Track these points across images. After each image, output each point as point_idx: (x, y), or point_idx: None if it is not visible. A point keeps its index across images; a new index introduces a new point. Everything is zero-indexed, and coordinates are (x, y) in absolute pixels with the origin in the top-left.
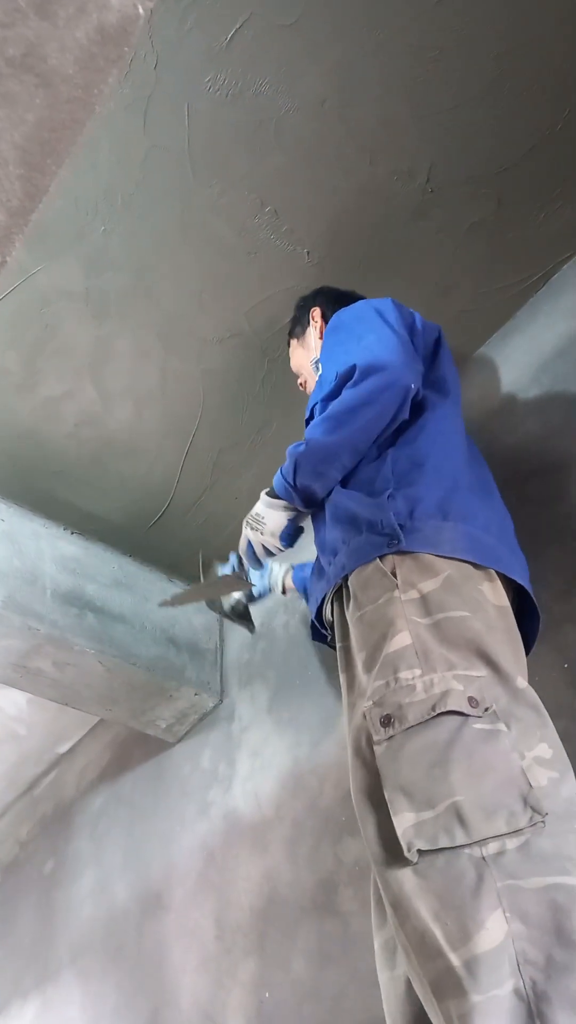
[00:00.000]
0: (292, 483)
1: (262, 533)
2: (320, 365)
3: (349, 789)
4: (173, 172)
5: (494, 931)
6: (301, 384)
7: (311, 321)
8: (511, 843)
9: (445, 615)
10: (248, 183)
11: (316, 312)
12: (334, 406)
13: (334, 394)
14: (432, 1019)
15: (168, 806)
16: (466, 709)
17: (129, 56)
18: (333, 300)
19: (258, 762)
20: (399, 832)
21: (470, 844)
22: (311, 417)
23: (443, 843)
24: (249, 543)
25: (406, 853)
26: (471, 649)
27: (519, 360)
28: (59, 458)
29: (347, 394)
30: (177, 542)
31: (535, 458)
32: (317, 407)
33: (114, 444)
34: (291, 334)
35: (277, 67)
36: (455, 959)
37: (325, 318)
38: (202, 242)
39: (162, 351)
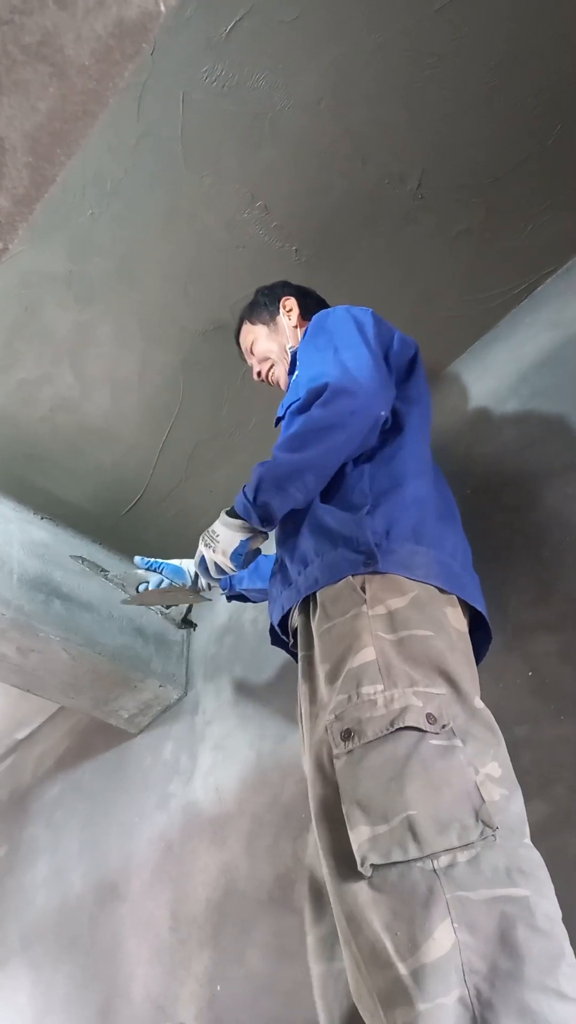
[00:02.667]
0: (252, 499)
1: (214, 551)
2: (297, 361)
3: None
4: (165, 160)
5: (442, 941)
6: (262, 372)
7: (282, 310)
8: (462, 856)
9: (410, 633)
10: (240, 177)
11: (290, 301)
12: (302, 424)
13: (303, 408)
14: None
15: (127, 797)
16: (424, 725)
17: (147, 52)
18: (303, 295)
19: (221, 756)
20: (355, 846)
21: (422, 857)
22: (281, 418)
23: (396, 857)
24: (203, 559)
25: (360, 867)
26: (433, 667)
27: (499, 370)
28: (33, 441)
29: (316, 412)
30: (149, 532)
31: (511, 468)
32: (286, 417)
33: (89, 430)
34: (251, 319)
35: (275, 62)
36: (403, 969)
37: (303, 310)
38: (190, 233)
39: (143, 340)
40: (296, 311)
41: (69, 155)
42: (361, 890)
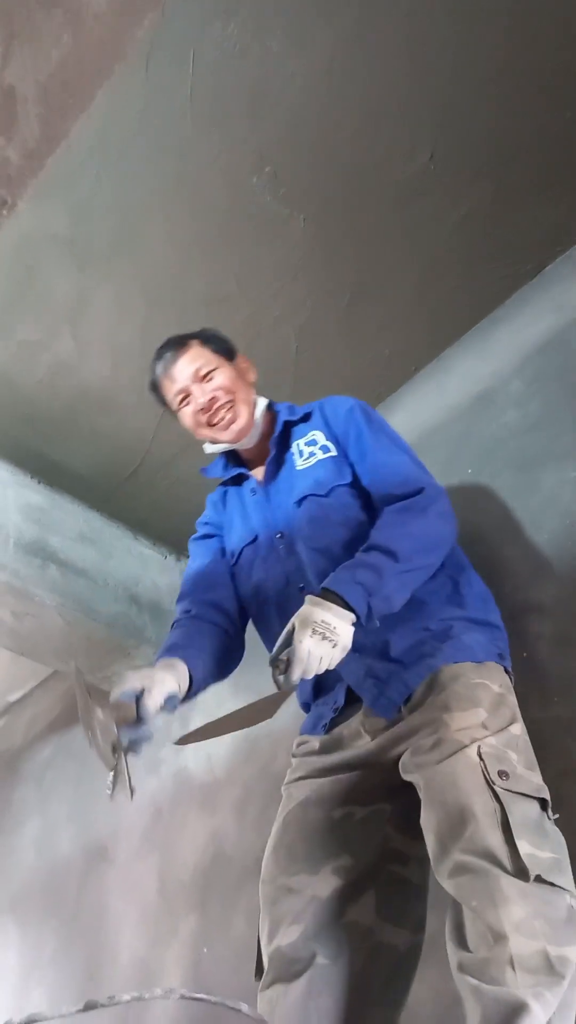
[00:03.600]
0: (384, 597)
1: (335, 646)
2: (356, 448)
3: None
4: (173, 122)
5: (573, 959)
6: (217, 402)
7: (244, 363)
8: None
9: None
10: (249, 141)
11: (246, 361)
12: (419, 533)
13: (415, 500)
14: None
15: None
16: (547, 804)
17: (166, 3)
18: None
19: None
20: (523, 853)
21: (569, 892)
22: (305, 496)
23: (555, 880)
24: (314, 656)
25: (525, 871)
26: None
27: (503, 351)
28: (31, 404)
29: (441, 527)
30: (146, 501)
31: (511, 450)
32: (383, 509)
33: (89, 396)
34: (204, 342)
35: (290, 25)
36: (552, 949)
37: (255, 377)
38: (197, 198)
39: (145, 307)
40: (252, 370)
41: (82, 108)
42: (513, 883)
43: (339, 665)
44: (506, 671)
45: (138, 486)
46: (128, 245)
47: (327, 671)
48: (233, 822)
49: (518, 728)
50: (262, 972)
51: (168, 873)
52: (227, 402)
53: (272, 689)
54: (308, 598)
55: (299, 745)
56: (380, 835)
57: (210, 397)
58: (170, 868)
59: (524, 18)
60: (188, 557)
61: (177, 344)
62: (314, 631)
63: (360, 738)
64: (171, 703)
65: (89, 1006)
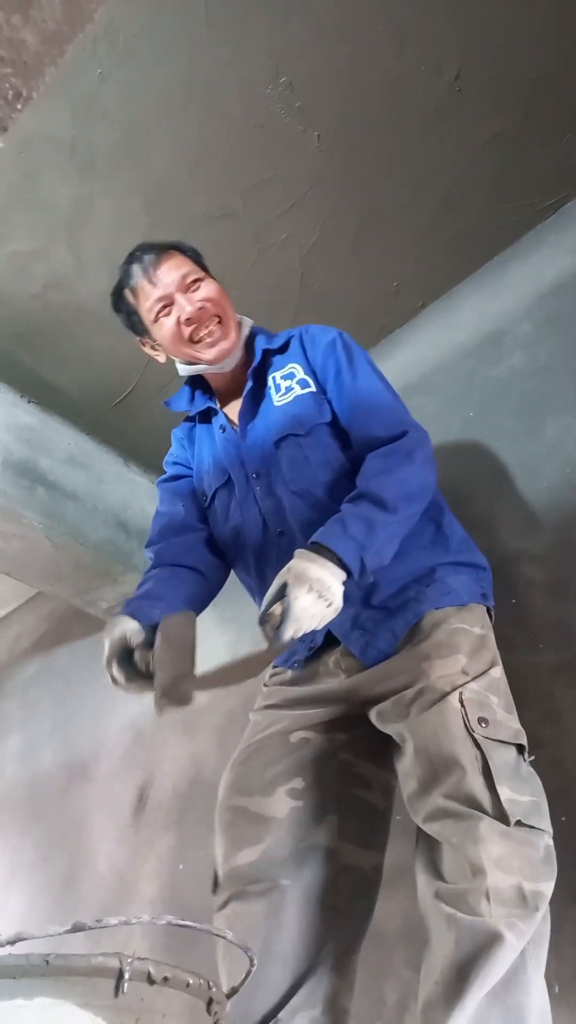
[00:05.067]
0: (377, 553)
1: (330, 606)
2: (336, 384)
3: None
4: (185, 21)
5: (548, 893)
6: (208, 313)
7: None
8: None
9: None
10: (265, 48)
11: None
12: (417, 482)
13: (402, 443)
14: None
15: (102, 683)
16: (524, 749)
17: None
18: None
19: (198, 653)
20: (503, 799)
21: (547, 832)
22: (284, 436)
23: (534, 823)
24: (310, 614)
25: (511, 818)
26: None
27: (516, 290)
28: (23, 319)
29: (426, 475)
30: (138, 426)
31: (516, 394)
32: (362, 447)
33: (83, 313)
34: (190, 256)
35: None
36: (527, 885)
37: None
38: (206, 105)
39: (147, 219)
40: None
41: None
42: (494, 826)
43: None
44: (488, 611)
45: (131, 411)
46: (131, 153)
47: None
48: (213, 748)
49: (498, 671)
50: (217, 888)
51: (148, 793)
52: (215, 315)
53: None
54: (300, 552)
55: (272, 676)
56: (335, 761)
57: (198, 307)
58: (149, 788)
59: None
60: None
61: (159, 248)
62: (310, 588)
63: (334, 676)
64: None
65: (77, 927)
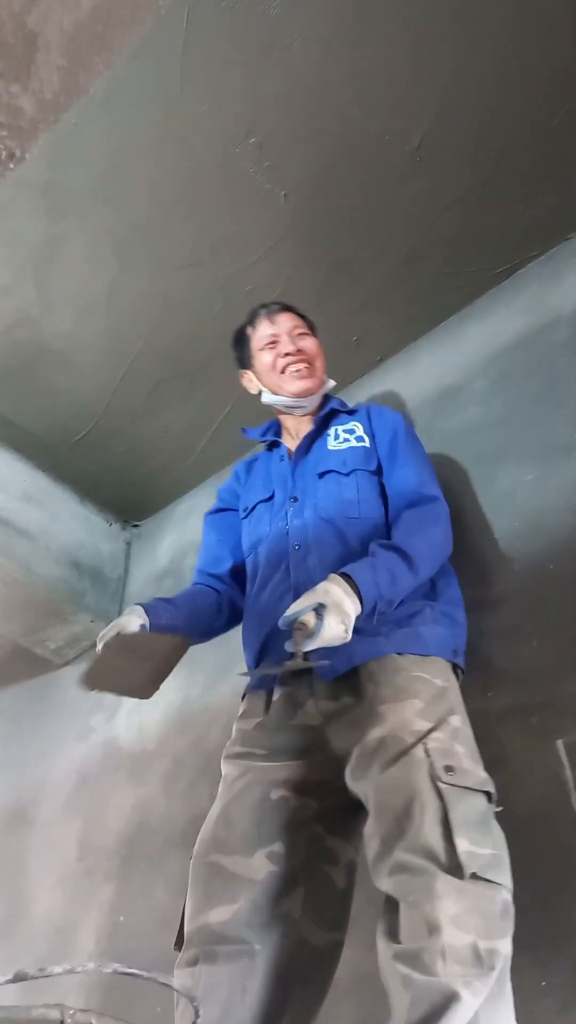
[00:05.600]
0: (388, 602)
1: (345, 634)
2: (392, 450)
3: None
4: (161, 76)
5: (506, 951)
6: (303, 353)
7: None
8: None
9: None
10: (237, 107)
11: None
12: (437, 545)
13: (431, 505)
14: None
15: (47, 725)
16: (492, 797)
17: None
18: None
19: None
20: (460, 851)
21: (507, 888)
22: (328, 471)
23: (492, 877)
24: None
25: (465, 871)
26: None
27: (471, 348)
28: None
29: (444, 539)
30: (97, 465)
31: (470, 446)
32: (398, 499)
33: (47, 351)
34: (309, 325)
35: None
36: (482, 944)
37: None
38: (178, 158)
39: (116, 264)
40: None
41: (108, 66)
42: (449, 881)
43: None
44: (455, 667)
45: (89, 450)
46: (103, 199)
47: (282, 629)
48: (161, 793)
49: (458, 720)
50: (182, 944)
51: (90, 839)
52: (308, 360)
53: None
54: (337, 580)
55: (243, 715)
56: (307, 832)
57: (297, 348)
58: (92, 835)
59: (523, 19)
60: (133, 525)
61: (284, 304)
62: (341, 618)
63: (312, 719)
64: None
65: (19, 977)
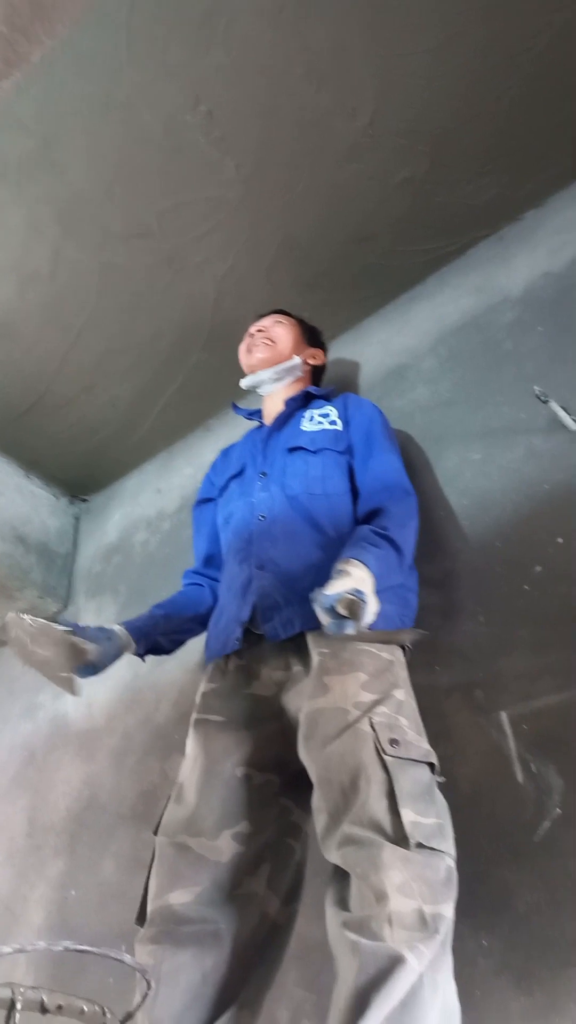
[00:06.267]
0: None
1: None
2: (368, 439)
3: (187, 710)
4: (107, 40)
5: (449, 916)
6: (262, 334)
7: (314, 353)
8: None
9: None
10: (185, 76)
11: (321, 356)
12: (411, 540)
13: (401, 490)
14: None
15: None
16: (435, 768)
17: None
18: (323, 370)
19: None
20: (405, 822)
21: (450, 855)
22: (297, 447)
23: (435, 845)
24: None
25: (411, 841)
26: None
27: (420, 327)
28: None
29: (413, 534)
30: (43, 438)
31: (418, 426)
32: (356, 467)
33: None
34: (298, 322)
35: None
36: (427, 908)
37: (317, 368)
38: (124, 126)
39: (59, 233)
40: (316, 363)
41: (51, 36)
42: (394, 851)
43: (259, 578)
44: (402, 645)
45: (34, 423)
46: (45, 165)
47: (242, 584)
48: (110, 770)
49: (402, 694)
50: (144, 920)
51: (38, 816)
52: (266, 336)
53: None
54: (361, 566)
55: (205, 682)
56: (277, 806)
57: (259, 328)
58: (40, 811)
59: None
60: (81, 500)
61: (276, 310)
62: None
63: (262, 687)
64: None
65: None
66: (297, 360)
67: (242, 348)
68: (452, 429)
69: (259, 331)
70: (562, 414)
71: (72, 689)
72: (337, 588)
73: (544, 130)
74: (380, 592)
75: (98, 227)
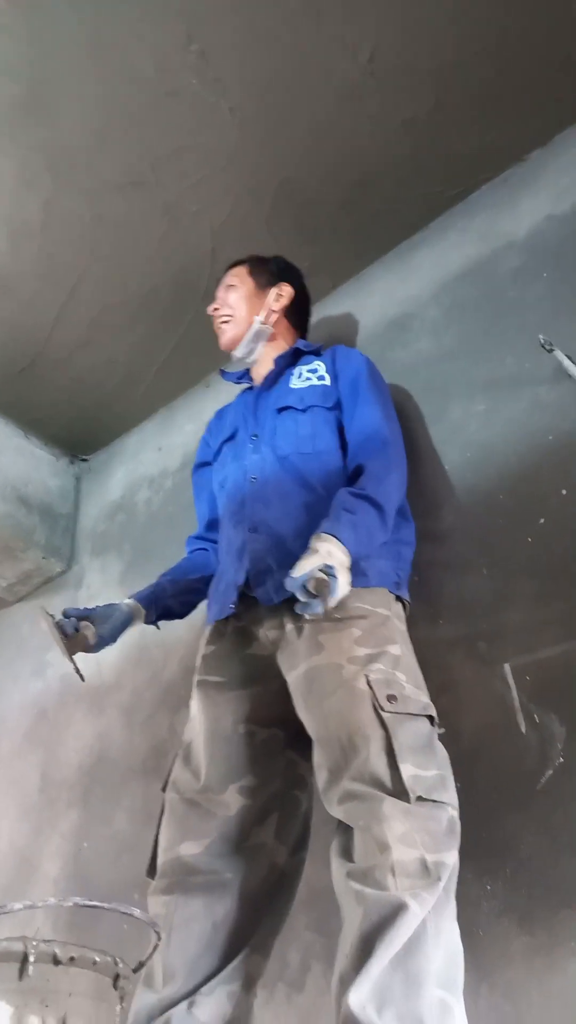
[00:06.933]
0: (358, 554)
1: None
2: (355, 391)
3: (194, 666)
4: None
5: (452, 861)
6: (220, 313)
7: (278, 291)
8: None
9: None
10: (177, 11)
11: (288, 289)
12: (396, 494)
13: (384, 444)
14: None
15: (2, 661)
16: (435, 720)
17: None
18: (304, 300)
19: None
20: (405, 776)
21: (452, 805)
22: (286, 407)
23: (436, 796)
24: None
25: (411, 795)
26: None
27: (423, 275)
28: None
29: (399, 488)
30: (41, 397)
31: (422, 378)
32: (345, 422)
33: None
34: (249, 268)
35: None
36: (429, 857)
37: (292, 308)
38: (115, 67)
39: (50, 183)
40: (286, 302)
41: None
42: (396, 805)
43: (252, 541)
44: (399, 599)
45: (32, 381)
46: (34, 112)
47: (237, 548)
48: (120, 726)
49: (398, 649)
50: (155, 873)
51: (51, 771)
52: (227, 313)
53: None
54: (331, 539)
55: (205, 644)
56: (283, 759)
57: (216, 307)
58: (53, 767)
59: None
60: (82, 460)
61: (234, 261)
62: (348, 579)
63: (260, 647)
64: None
65: None
66: (257, 324)
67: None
68: (456, 381)
69: (216, 310)
70: (567, 363)
71: (80, 675)
72: (304, 569)
73: (550, 65)
74: (368, 556)
75: (91, 176)
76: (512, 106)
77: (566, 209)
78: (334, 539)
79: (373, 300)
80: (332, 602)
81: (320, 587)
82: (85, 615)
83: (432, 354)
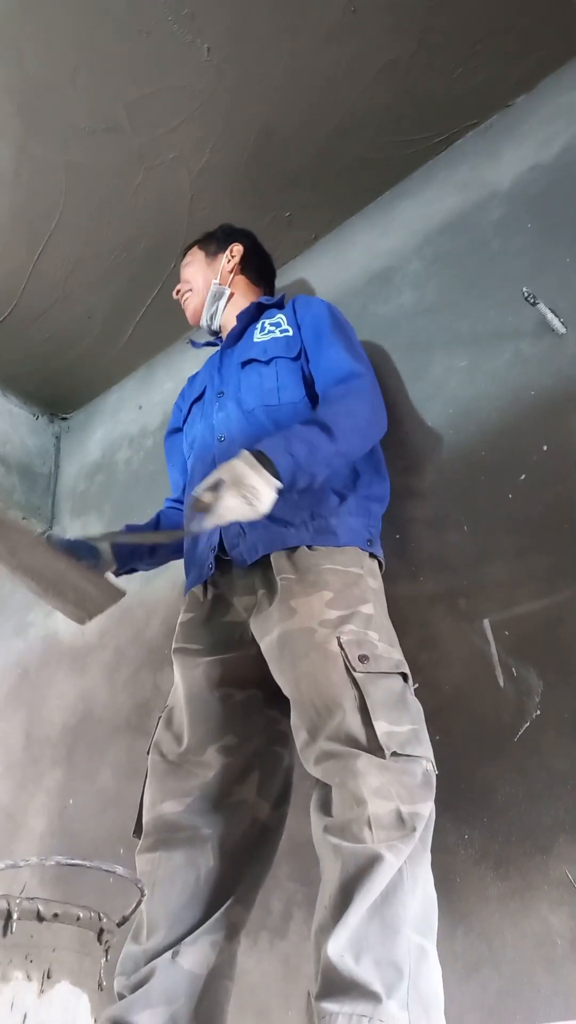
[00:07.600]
0: (308, 469)
1: (251, 510)
2: (317, 336)
3: (176, 625)
4: None
5: (427, 812)
6: (182, 292)
7: (229, 253)
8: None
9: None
10: None
11: (238, 248)
12: (361, 415)
13: (356, 384)
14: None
15: None
16: (408, 677)
17: None
18: (255, 253)
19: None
20: (379, 733)
21: (426, 759)
22: (249, 360)
23: (410, 751)
24: (228, 513)
25: (386, 751)
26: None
27: (405, 226)
28: None
29: (370, 413)
30: (17, 354)
31: (404, 333)
32: (321, 379)
33: None
34: (200, 244)
35: None
36: (404, 808)
37: (246, 263)
38: (85, 4)
39: (21, 128)
40: (237, 260)
41: None
42: (371, 761)
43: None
44: (372, 556)
45: (7, 338)
46: (1, 50)
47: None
48: (103, 684)
49: (370, 608)
50: (141, 832)
51: (35, 730)
52: (187, 292)
53: None
54: (244, 456)
55: (183, 611)
56: (263, 718)
57: (178, 287)
58: (36, 725)
59: None
60: (61, 418)
61: (188, 245)
62: (241, 493)
63: (236, 614)
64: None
65: None
66: (214, 284)
67: None
68: (438, 336)
69: (178, 291)
70: (550, 316)
71: (82, 617)
72: (199, 487)
73: (537, 6)
74: (318, 480)
75: (63, 121)
76: (497, 48)
77: (550, 158)
78: (251, 455)
79: (355, 252)
80: (207, 524)
81: (197, 504)
82: (71, 547)
83: (414, 308)
